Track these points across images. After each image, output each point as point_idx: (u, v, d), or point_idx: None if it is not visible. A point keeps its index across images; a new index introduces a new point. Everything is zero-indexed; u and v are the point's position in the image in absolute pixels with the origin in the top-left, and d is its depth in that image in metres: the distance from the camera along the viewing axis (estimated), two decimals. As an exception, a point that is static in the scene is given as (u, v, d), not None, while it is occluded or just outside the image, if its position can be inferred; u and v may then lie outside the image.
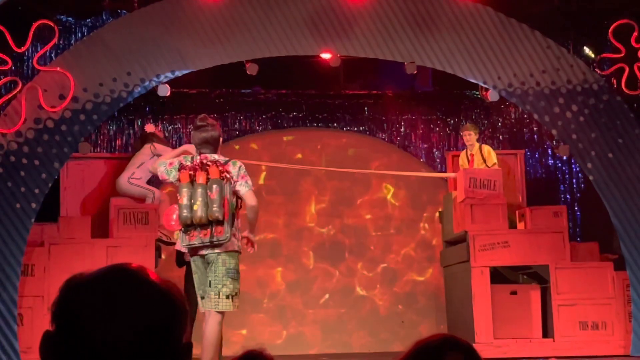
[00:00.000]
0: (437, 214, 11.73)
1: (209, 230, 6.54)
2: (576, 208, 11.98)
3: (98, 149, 11.44)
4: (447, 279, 11.18)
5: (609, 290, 9.59)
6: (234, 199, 6.68)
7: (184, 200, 6.58)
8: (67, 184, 10.30)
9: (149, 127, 10.51)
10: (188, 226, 6.60)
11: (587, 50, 10.47)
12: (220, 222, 6.51)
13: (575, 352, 9.35)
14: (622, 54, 9.67)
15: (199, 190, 6.54)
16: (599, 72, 9.88)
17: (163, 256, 10.27)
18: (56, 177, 9.48)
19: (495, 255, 9.63)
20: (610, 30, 9.68)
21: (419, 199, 12.17)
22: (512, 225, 10.09)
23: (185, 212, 6.56)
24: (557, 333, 9.50)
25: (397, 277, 12.04)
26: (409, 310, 11.93)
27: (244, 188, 6.63)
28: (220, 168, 6.60)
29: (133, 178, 10.00)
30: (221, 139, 6.92)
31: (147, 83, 9.45)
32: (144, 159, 10.09)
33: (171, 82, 9.75)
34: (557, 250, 9.65)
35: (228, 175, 6.61)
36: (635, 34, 9.61)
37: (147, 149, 10.15)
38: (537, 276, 9.87)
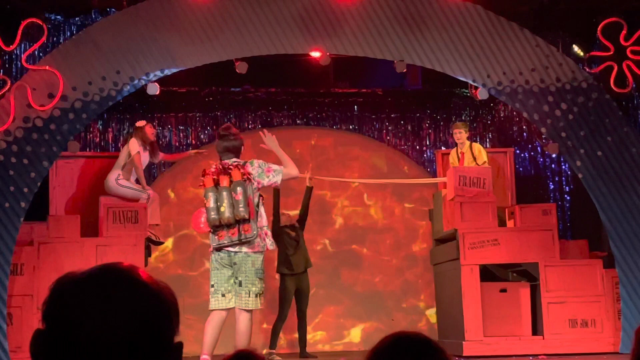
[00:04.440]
0: (427, 212, 11.75)
1: (236, 229, 7.13)
2: (565, 206, 12.01)
3: (87, 148, 11.40)
4: (436, 277, 11.19)
5: (599, 287, 9.61)
6: (257, 198, 7.27)
7: (211, 203, 7.17)
8: (57, 182, 10.27)
9: (140, 122, 10.21)
10: (216, 227, 7.16)
11: (576, 48, 10.49)
12: (247, 221, 7.09)
13: (564, 350, 9.37)
14: (611, 52, 9.69)
15: (224, 193, 7.12)
16: (588, 70, 9.91)
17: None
18: (45, 176, 9.45)
19: (484, 253, 9.64)
20: (599, 29, 9.71)
21: (408, 196, 12.18)
22: (502, 223, 10.11)
23: (213, 214, 7.14)
24: (547, 331, 9.52)
25: (386, 274, 12.05)
26: (398, 307, 11.94)
27: (278, 175, 7.27)
28: (242, 170, 7.17)
29: (120, 179, 9.88)
30: (242, 148, 7.47)
31: (136, 82, 9.43)
32: (126, 159, 9.95)
33: (161, 81, 9.73)
34: (547, 248, 9.67)
35: (250, 177, 7.19)
36: (624, 32, 9.64)
37: (126, 147, 10.00)
38: (527, 274, 9.88)
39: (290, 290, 10.11)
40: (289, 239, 10.17)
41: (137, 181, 9.99)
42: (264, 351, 9.87)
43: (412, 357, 1.78)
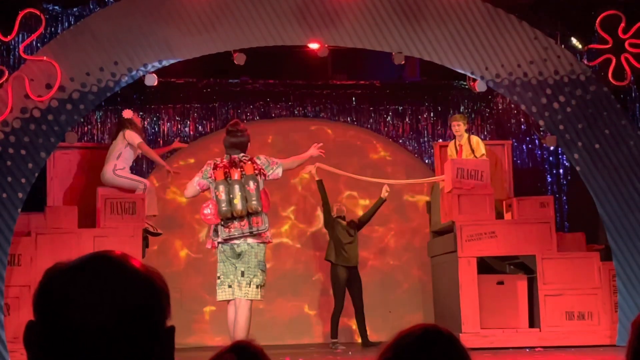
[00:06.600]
0: (425, 204, 11.74)
1: (246, 221, 7.30)
2: (563, 198, 12.02)
3: (85, 139, 11.38)
4: (434, 269, 11.20)
5: (595, 280, 9.62)
6: None
7: (223, 196, 7.30)
8: (54, 173, 10.26)
9: (127, 113, 10.07)
10: (227, 219, 7.31)
11: (574, 41, 10.47)
12: (259, 213, 7.29)
13: (561, 342, 9.38)
14: (609, 45, 9.69)
15: (236, 186, 7.30)
16: (586, 63, 9.90)
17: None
18: (43, 166, 9.44)
19: (482, 245, 9.65)
20: (597, 21, 9.70)
21: (406, 188, 12.17)
22: (499, 216, 10.12)
23: (224, 206, 7.27)
24: (544, 323, 9.54)
25: (383, 267, 12.05)
26: (396, 300, 11.94)
27: (279, 168, 7.56)
28: (254, 165, 7.39)
29: (117, 169, 9.87)
30: (249, 144, 7.65)
31: (134, 72, 9.41)
32: (121, 149, 9.94)
33: (158, 72, 9.71)
34: (544, 241, 9.67)
35: (262, 171, 7.44)
36: (623, 24, 9.63)
37: (121, 136, 10.00)
38: (524, 266, 9.89)
39: (342, 279, 10.44)
40: (342, 229, 10.54)
41: (132, 172, 10.05)
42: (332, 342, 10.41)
43: (441, 352, 1.81)
